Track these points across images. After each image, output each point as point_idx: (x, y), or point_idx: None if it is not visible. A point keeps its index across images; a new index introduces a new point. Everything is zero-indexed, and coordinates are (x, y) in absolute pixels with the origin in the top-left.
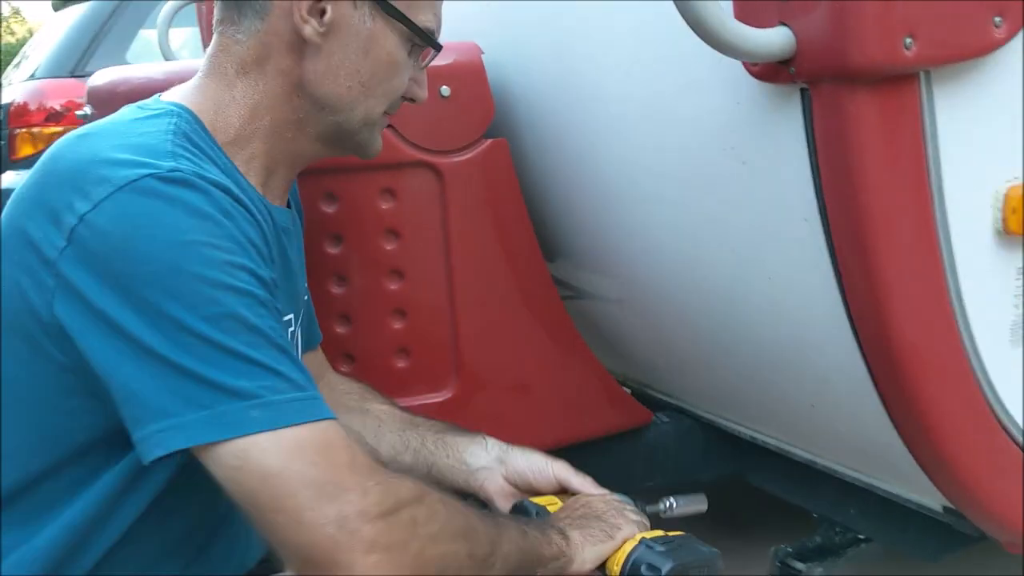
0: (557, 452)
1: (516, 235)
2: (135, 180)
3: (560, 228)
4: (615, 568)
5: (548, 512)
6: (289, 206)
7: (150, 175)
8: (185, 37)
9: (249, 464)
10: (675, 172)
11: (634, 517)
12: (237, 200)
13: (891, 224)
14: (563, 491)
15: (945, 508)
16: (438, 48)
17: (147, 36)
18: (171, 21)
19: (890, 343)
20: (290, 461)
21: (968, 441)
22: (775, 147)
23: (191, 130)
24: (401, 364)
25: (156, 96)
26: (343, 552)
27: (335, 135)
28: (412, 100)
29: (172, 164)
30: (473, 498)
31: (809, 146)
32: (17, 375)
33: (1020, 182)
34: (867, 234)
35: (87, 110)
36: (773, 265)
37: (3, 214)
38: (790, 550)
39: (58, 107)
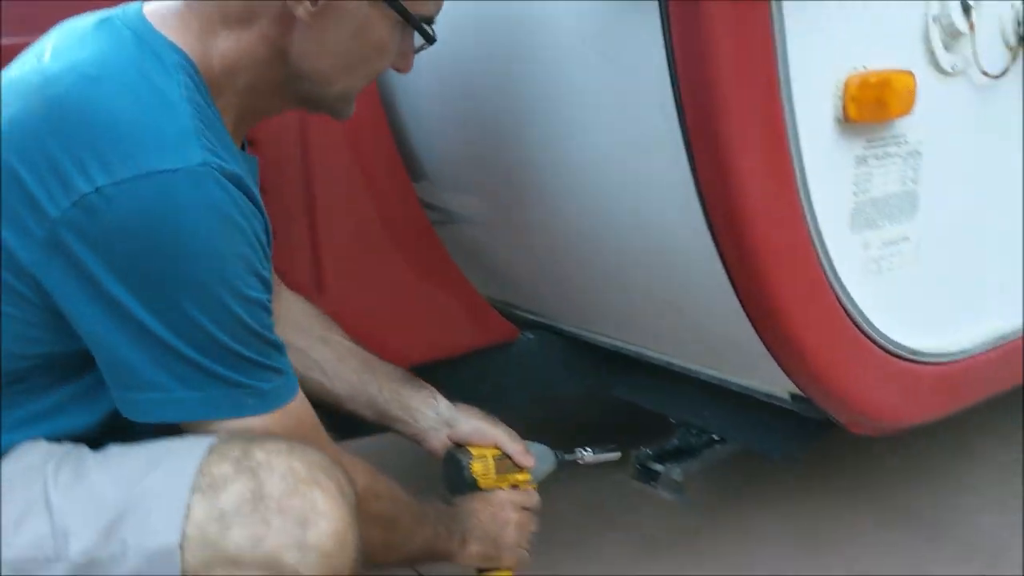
0: (424, 368)
1: (379, 155)
2: (166, 171)
3: (423, 147)
4: None
5: (478, 485)
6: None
7: (182, 169)
8: None
9: None
10: (535, 75)
11: (522, 553)
12: (248, 194)
13: (741, 112)
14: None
15: (792, 395)
16: (432, 41)
17: None
18: None
19: (741, 232)
20: None
21: (814, 326)
22: (633, 38)
23: (199, 93)
24: None
25: (139, 5)
26: None
27: (309, 101)
28: (396, 70)
29: (201, 156)
30: None
31: (665, 36)
32: None
33: (860, 71)
34: (719, 122)
35: None
36: (633, 162)
37: None
38: (650, 453)
39: None
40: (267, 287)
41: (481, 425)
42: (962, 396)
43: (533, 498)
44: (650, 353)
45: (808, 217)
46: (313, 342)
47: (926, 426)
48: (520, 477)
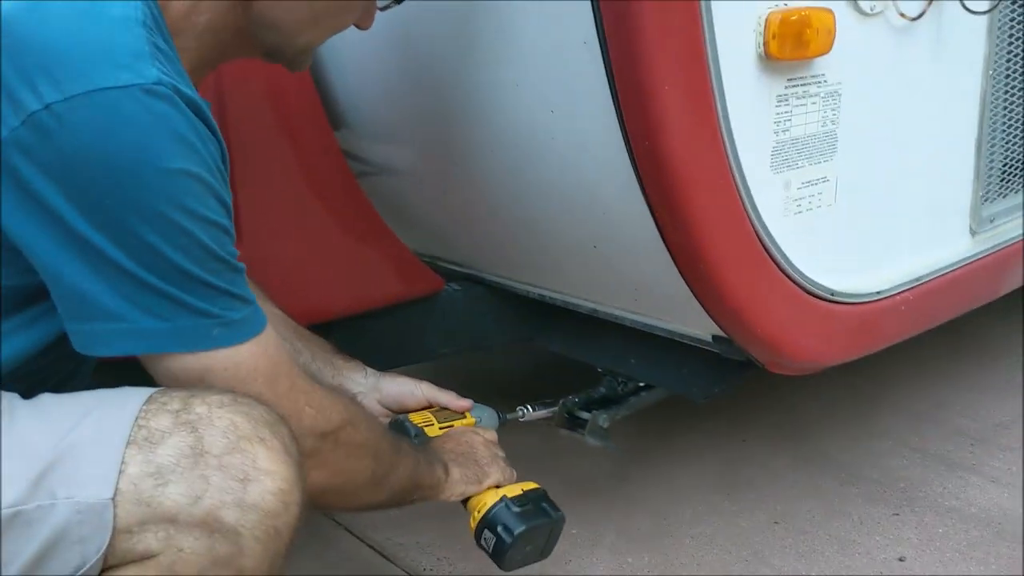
0: (350, 319)
1: (301, 102)
2: (120, 87)
3: (346, 95)
4: (475, 514)
5: (425, 433)
6: None
7: (136, 85)
8: None
9: (208, 378)
10: (459, 21)
11: (503, 465)
12: (205, 120)
13: (664, 46)
14: (430, 406)
15: (715, 337)
16: (399, 0)
17: None
18: None
19: (664, 168)
20: (242, 384)
21: (735, 265)
22: None
23: (155, 21)
24: None
25: None
26: None
27: (269, 49)
28: (357, 26)
29: (156, 75)
30: None
31: None
32: None
33: (781, 8)
34: (641, 56)
35: None
36: (555, 96)
37: None
38: (576, 400)
39: None
40: (228, 212)
41: (407, 383)
42: (879, 337)
43: (488, 431)
44: (576, 301)
45: (730, 154)
46: None
47: (843, 376)
48: (463, 423)
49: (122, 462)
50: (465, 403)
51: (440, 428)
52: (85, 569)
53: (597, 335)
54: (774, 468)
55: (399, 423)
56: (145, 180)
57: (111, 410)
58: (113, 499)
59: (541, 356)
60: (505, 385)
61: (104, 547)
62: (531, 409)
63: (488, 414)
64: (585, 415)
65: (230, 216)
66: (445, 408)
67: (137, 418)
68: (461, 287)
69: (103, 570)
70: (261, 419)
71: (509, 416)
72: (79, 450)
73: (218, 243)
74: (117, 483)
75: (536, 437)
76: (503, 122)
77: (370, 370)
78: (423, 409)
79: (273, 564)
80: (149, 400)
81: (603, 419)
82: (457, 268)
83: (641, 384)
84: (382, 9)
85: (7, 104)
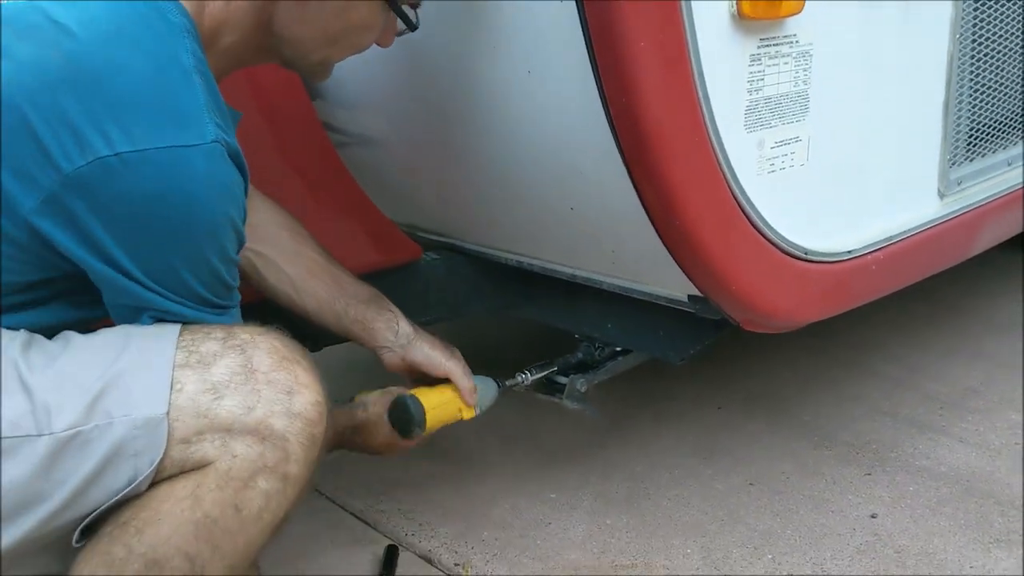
0: None
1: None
2: (185, 147)
3: None
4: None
5: (425, 413)
6: None
7: (198, 146)
8: None
9: None
10: None
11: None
12: (241, 167)
13: (640, 4)
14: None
15: (690, 296)
16: (413, 28)
17: None
18: None
19: (640, 126)
20: None
21: (711, 223)
22: None
23: (201, 59)
24: None
25: None
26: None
27: (286, 62)
28: (377, 44)
29: (214, 133)
30: None
31: None
32: None
33: None
34: (618, 14)
35: None
36: (533, 56)
37: None
38: (555, 367)
39: None
40: (242, 243)
41: (434, 355)
42: (850, 296)
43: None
44: (554, 266)
45: (705, 112)
46: (285, 255)
47: (816, 343)
48: (463, 415)
49: (177, 381)
50: (472, 400)
51: (440, 421)
52: (136, 483)
53: (574, 302)
54: (749, 433)
55: (400, 401)
56: (195, 230)
57: (149, 341)
58: (167, 414)
59: (515, 324)
60: (482, 353)
61: (157, 461)
62: (529, 374)
63: (488, 385)
64: (563, 379)
65: (242, 245)
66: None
67: (182, 346)
68: (439, 256)
69: (164, 479)
70: (293, 344)
71: (509, 383)
72: (129, 375)
73: (231, 274)
74: (175, 400)
75: (510, 404)
76: (480, 85)
77: (403, 328)
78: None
79: (310, 472)
80: (188, 330)
81: (581, 383)
82: (435, 237)
83: (618, 349)
84: (399, 34)
85: (72, 141)
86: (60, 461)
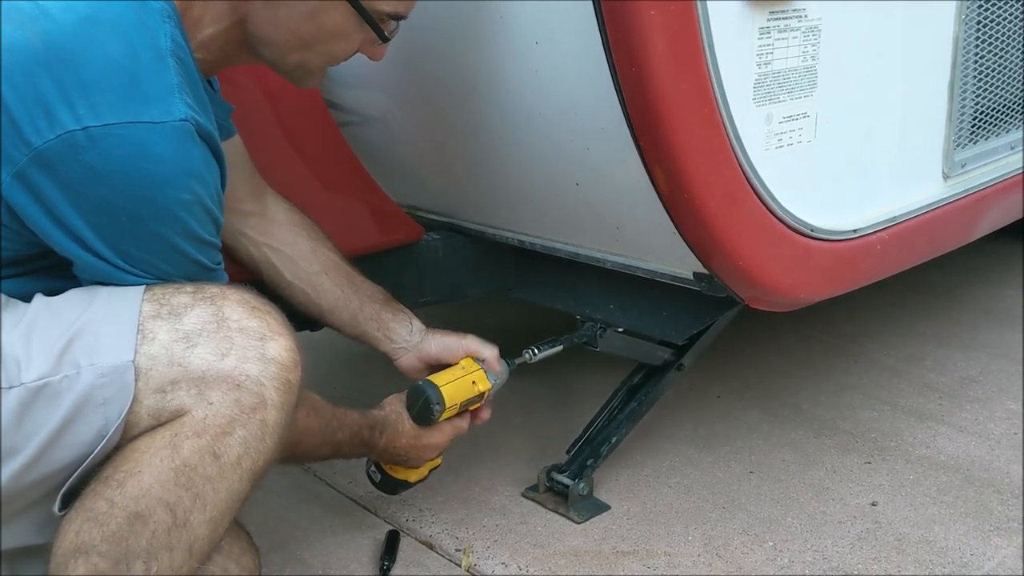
0: None
1: None
2: (151, 123)
3: None
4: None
5: (440, 391)
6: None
7: (165, 123)
8: None
9: None
10: None
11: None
12: (215, 151)
13: None
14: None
15: (696, 274)
16: (385, 40)
17: None
18: None
19: (650, 96)
20: None
21: (718, 197)
22: None
23: (181, 44)
24: None
25: None
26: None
27: (270, 64)
28: (369, 57)
29: (183, 112)
30: None
31: None
32: None
33: None
34: None
35: None
36: (539, 27)
37: None
38: (560, 345)
39: None
40: (219, 229)
41: (449, 340)
42: (855, 275)
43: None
44: (557, 244)
45: (715, 84)
46: (302, 254)
47: (814, 332)
48: (478, 387)
49: (149, 331)
50: (496, 367)
51: (459, 405)
52: (108, 435)
53: (575, 283)
54: (748, 422)
55: (417, 387)
56: (159, 208)
57: (116, 294)
58: (134, 361)
59: (512, 307)
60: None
61: (126, 410)
62: (536, 351)
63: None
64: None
65: (219, 231)
66: (482, 360)
67: (152, 299)
68: (440, 236)
69: (140, 434)
70: (262, 298)
71: (517, 361)
72: (95, 325)
73: (206, 256)
74: (148, 350)
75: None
76: (486, 57)
77: (416, 326)
78: (460, 362)
79: (287, 420)
80: (159, 286)
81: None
82: (437, 218)
83: (620, 330)
84: (382, 44)
85: (42, 115)
86: (30, 412)
